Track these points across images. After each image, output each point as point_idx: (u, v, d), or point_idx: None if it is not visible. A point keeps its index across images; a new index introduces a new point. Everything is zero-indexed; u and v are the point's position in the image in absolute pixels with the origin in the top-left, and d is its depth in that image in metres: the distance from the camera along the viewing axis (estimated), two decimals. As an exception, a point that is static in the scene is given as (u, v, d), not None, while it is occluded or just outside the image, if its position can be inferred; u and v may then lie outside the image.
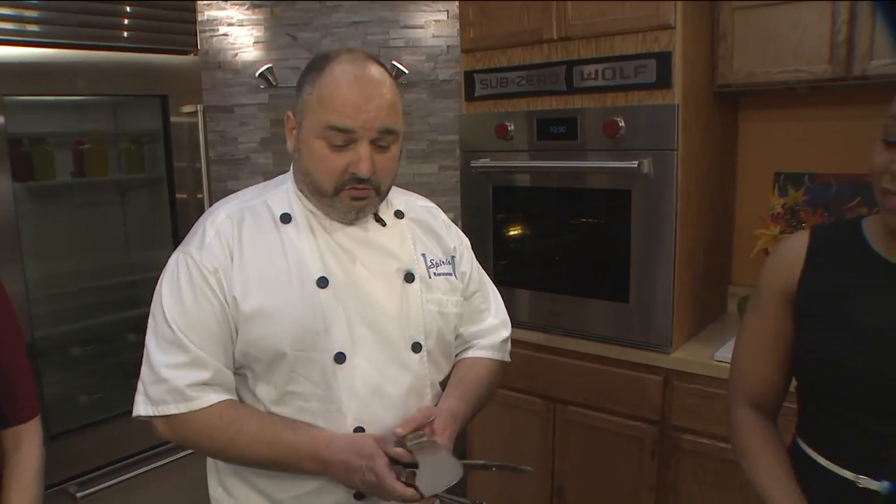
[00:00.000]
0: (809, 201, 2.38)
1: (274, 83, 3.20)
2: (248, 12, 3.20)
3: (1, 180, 2.14)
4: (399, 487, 1.12)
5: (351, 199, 1.24)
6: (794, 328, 1.26)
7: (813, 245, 1.25)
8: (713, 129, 2.44)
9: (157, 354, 1.23)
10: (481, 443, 2.77)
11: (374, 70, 1.22)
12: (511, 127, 2.52)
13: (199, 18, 3.07)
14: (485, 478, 2.72)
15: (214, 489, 1.39)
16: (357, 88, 1.18)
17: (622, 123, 2.24)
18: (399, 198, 1.44)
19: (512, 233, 2.69)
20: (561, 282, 2.53)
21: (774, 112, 2.58)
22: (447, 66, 3.21)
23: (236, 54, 3.22)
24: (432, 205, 1.52)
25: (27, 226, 2.32)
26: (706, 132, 2.38)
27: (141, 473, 2.49)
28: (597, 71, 2.31)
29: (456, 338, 1.47)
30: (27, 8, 2.21)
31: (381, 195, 1.29)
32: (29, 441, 1.42)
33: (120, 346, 2.81)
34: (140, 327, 2.79)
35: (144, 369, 1.25)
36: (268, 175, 3.19)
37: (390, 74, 1.27)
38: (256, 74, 3.20)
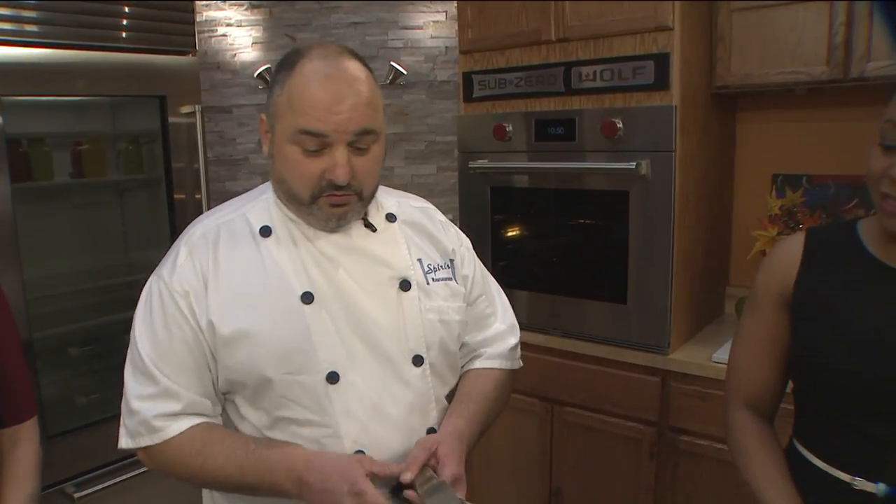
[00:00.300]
0: (807, 203, 2.39)
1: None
2: (247, 13, 3.20)
3: (-1, 181, 2.14)
4: None
5: (330, 206, 1.15)
6: (790, 330, 1.26)
7: (809, 247, 1.25)
8: (711, 131, 2.45)
9: (130, 384, 1.18)
10: (479, 444, 2.76)
11: (348, 66, 1.13)
12: (509, 128, 2.52)
13: (198, 19, 3.07)
14: (483, 479, 2.72)
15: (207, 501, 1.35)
16: (328, 88, 1.09)
17: (620, 125, 2.24)
18: (390, 199, 1.35)
19: (510, 234, 2.69)
20: (559, 283, 2.53)
21: (772, 113, 2.58)
22: (446, 67, 3.21)
23: (235, 55, 3.22)
24: (427, 205, 1.43)
25: (25, 226, 2.32)
26: (704, 133, 2.38)
27: (138, 474, 2.48)
28: (595, 72, 2.32)
29: (461, 347, 1.38)
30: (26, 8, 2.21)
31: (365, 200, 1.20)
32: (26, 441, 1.42)
33: (118, 347, 2.78)
34: (138, 328, 2.81)
35: (123, 400, 1.19)
36: (266, 176, 3.19)
37: (368, 69, 1.17)
38: (255, 75, 3.19)
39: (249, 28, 3.21)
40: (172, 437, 1.15)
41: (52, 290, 2.62)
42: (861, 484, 1.12)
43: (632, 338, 2.34)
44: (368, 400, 1.18)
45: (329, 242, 1.21)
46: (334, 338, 1.17)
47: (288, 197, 1.18)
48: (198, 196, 2.61)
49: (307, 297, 1.17)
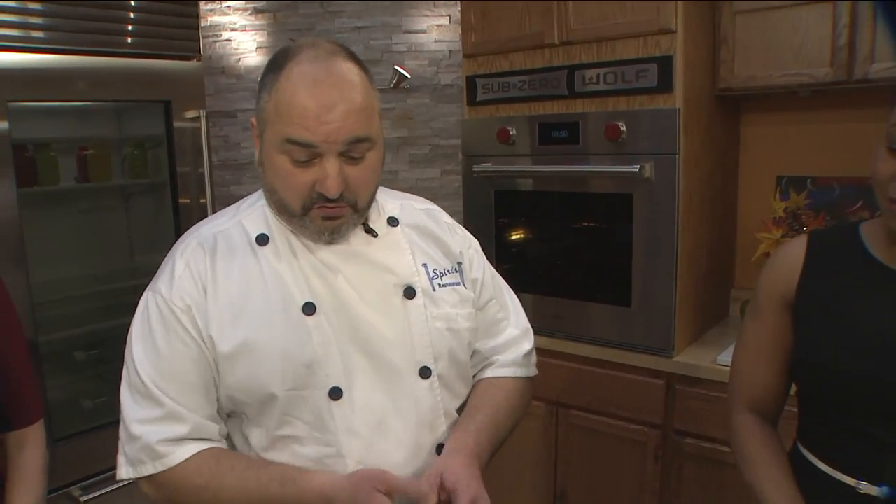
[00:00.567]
0: (811, 205, 2.38)
1: (277, 88, 3.21)
2: (251, 18, 3.21)
3: (6, 186, 2.15)
4: None
5: (322, 218, 1.09)
6: (792, 334, 1.26)
7: (811, 251, 1.25)
8: (715, 133, 2.45)
9: (129, 408, 1.11)
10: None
11: (340, 68, 1.05)
12: (513, 131, 2.52)
13: (203, 24, 3.09)
14: (488, 482, 2.71)
15: None
16: (317, 94, 1.01)
17: (623, 128, 2.24)
18: (393, 202, 1.28)
19: (514, 237, 2.69)
20: (563, 286, 2.53)
21: (776, 116, 2.58)
22: (449, 71, 3.21)
23: (239, 59, 3.23)
24: (433, 206, 1.36)
25: (31, 231, 2.34)
26: (708, 136, 2.38)
27: (144, 478, 2.49)
28: (598, 75, 2.32)
29: (472, 355, 1.31)
30: (32, 14, 2.23)
31: (360, 211, 1.12)
32: (32, 444, 1.43)
33: (124, 351, 2.82)
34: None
35: (121, 426, 1.12)
36: (271, 180, 3.21)
37: (363, 69, 1.09)
38: (259, 80, 3.21)
39: (254, 33, 3.22)
40: (178, 465, 1.07)
41: (58, 294, 2.64)
42: (865, 487, 1.12)
43: (636, 340, 2.34)
44: (372, 416, 1.12)
45: (331, 251, 1.15)
46: (336, 351, 1.11)
47: (279, 207, 1.13)
48: (203, 200, 2.63)
49: (309, 308, 1.11)
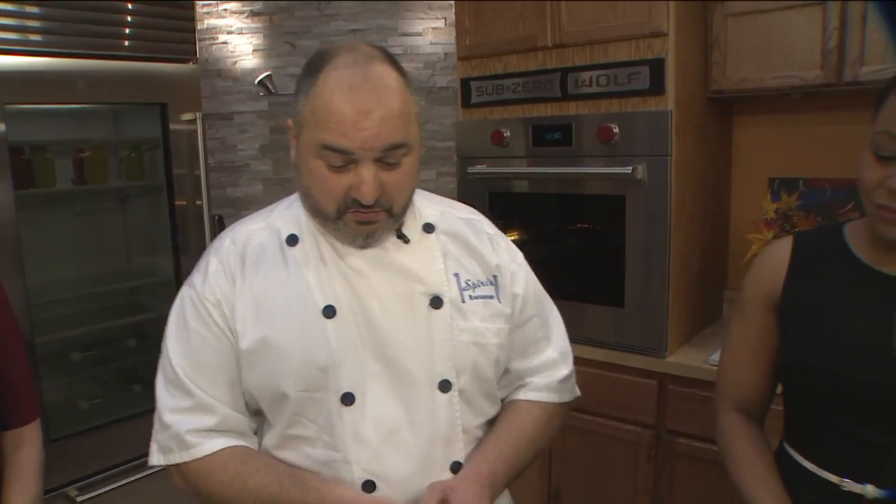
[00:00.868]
0: (803, 206, 2.40)
1: (273, 91, 3.23)
2: (248, 21, 3.23)
3: (2, 188, 2.17)
4: None
5: (356, 223, 1.08)
6: (778, 334, 1.27)
7: (796, 252, 1.26)
8: (707, 135, 2.46)
9: (163, 397, 1.14)
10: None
11: (378, 73, 1.02)
12: (507, 133, 2.54)
13: (199, 27, 3.10)
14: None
15: None
16: (354, 101, 1.00)
17: (616, 129, 2.26)
18: (433, 207, 1.25)
19: (509, 238, 2.70)
20: (557, 287, 2.51)
21: (768, 117, 2.60)
22: (444, 74, 3.23)
23: (236, 62, 3.25)
24: (476, 216, 1.31)
25: (28, 233, 2.35)
26: (700, 138, 2.40)
27: (141, 478, 2.50)
28: (591, 78, 2.33)
29: (505, 373, 1.27)
30: (29, 17, 2.24)
31: (395, 216, 1.11)
32: (28, 444, 1.44)
33: (120, 352, 2.83)
34: (140, 332, 2.83)
35: (155, 414, 1.15)
36: (267, 182, 3.23)
37: (401, 73, 1.06)
38: (256, 82, 3.22)
39: (250, 35, 3.24)
40: (204, 457, 1.10)
41: (54, 295, 2.65)
42: (849, 485, 1.13)
43: (630, 341, 2.36)
44: (384, 425, 1.10)
45: (357, 254, 1.14)
46: (352, 356, 1.10)
47: (313, 210, 1.12)
48: (199, 202, 2.64)
49: (329, 311, 1.10)
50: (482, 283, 1.21)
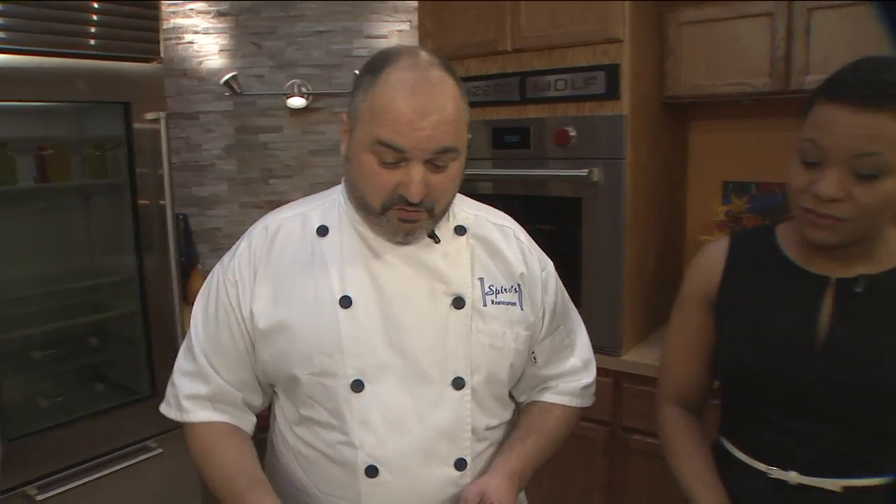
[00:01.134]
0: (753, 209, 2.48)
1: (238, 91, 3.24)
2: (214, 21, 3.24)
3: (-38, 185, 2.16)
4: None
5: (399, 220, 1.11)
6: (715, 331, 1.33)
7: (732, 252, 1.32)
8: (662, 139, 2.53)
9: (179, 359, 1.28)
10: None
11: (438, 78, 1.07)
12: (469, 136, 2.57)
13: (165, 26, 3.11)
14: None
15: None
16: (413, 102, 1.04)
17: (573, 133, 2.32)
18: (468, 211, 1.29)
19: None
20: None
21: (722, 123, 2.68)
22: (410, 76, 3.26)
23: (201, 62, 3.26)
24: (510, 224, 1.35)
25: (-11, 230, 2.34)
26: (655, 142, 2.46)
27: (101, 476, 2.50)
28: (549, 82, 2.38)
29: (528, 377, 1.34)
30: (-10, 15, 2.23)
31: (436, 217, 1.15)
32: None
33: (81, 350, 2.82)
34: (102, 331, 2.83)
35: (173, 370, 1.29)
36: (231, 182, 3.24)
37: (457, 82, 1.11)
38: (221, 82, 3.23)
39: (216, 36, 3.25)
40: (190, 424, 1.23)
41: (15, 293, 2.63)
42: (776, 472, 1.19)
43: (586, 340, 2.40)
44: (391, 414, 1.15)
45: (388, 249, 1.18)
46: (366, 346, 1.15)
47: (358, 204, 1.16)
48: (162, 202, 2.63)
49: (345, 301, 1.15)
50: (506, 289, 1.24)
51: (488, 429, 1.24)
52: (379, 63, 1.09)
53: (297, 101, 3.24)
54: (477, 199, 1.37)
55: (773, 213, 2.48)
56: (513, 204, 2.56)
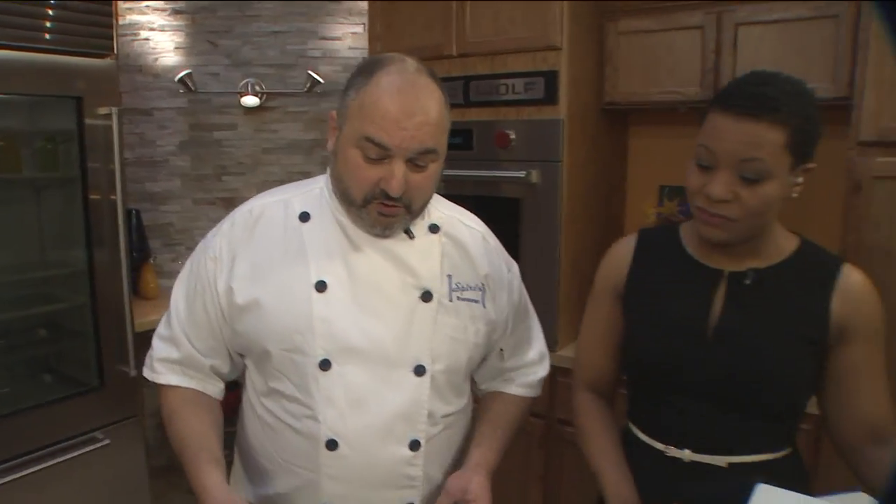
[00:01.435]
0: (684, 211, 2.59)
1: (193, 88, 3.28)
2: (170, 18, 3.28)
3: None
4: None
5: (378, 213, 1.19)
6: (623, 320, 1.42)
7: (640, 247, 1.42)
8: (601, 143, 2.63)
9: (161, 324, 1.37)
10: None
11: (424, 84, 1.15)
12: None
13: (121, 22, 3.13)
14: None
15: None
16: (400, 102, 1.12)
17: (513, 136, 2.41)
18: (444, 212, 1.38)
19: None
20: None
21: (659, 129, 2.79)
22: (364, 77, 3.33)
23: (157, 59, 3.29)
24: (482, 228, 1.44)
25: (-64, 221, 2.34)
26: (593, 146, 2.57)
27: (48, 467, 2.51)
28: (492, 86, 2.48)
29: (489, 367, 1.45)
30: (-60, 8, 2.25)
31: (413, 213, 1.23)
32: None
33: (30, 342, 2.83)
34: (51, 323, 2.84)
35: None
36: (185, 178, 3.27)
37: (442, 90, 1.19)
38: (176, 79, 3.27)
39: (172, 33, 3.29)
40: (161, 386, 1.34)
41: (-36, 284, 2.65)
42: (672, 451, 1.29)
43: (524, 335, 2.49)
44: (354, 393, 1.22)
45: (364, 240, 1.26)
46: (336, 329, 1.22)
47: (342, 196, 1.23)
48: (113, 197, 2.66)
49: (320, 286, 1.23)
50: (471, 287, 1.33)
51: (444, 416, 1.32)
52: (371, 66, 1.17)
53: (251, 100, 3.29)
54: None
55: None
56: (457, 203, 2.66)
